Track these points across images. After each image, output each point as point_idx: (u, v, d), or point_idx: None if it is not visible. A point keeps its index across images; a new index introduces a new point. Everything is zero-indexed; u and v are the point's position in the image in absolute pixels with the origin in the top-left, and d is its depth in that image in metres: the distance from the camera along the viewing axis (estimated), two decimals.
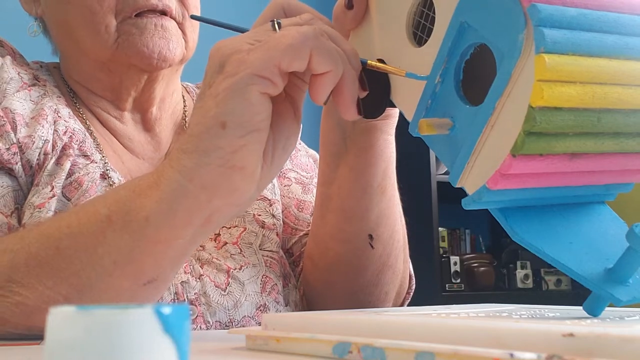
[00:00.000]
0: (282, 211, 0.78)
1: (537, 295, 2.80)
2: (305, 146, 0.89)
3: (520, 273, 2.86)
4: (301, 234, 0.78)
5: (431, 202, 2.45)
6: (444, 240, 2.88)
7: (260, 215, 0.75)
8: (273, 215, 0.76)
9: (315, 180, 0.80)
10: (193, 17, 0.68)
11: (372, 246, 0.67)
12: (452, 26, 0.44)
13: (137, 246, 0.48)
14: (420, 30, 0.49)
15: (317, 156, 0.84)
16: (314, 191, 0.79)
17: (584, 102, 0.38)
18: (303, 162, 0.85)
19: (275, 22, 0.48)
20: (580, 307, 0.43)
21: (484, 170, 0.42)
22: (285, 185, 0.81)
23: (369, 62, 0.50)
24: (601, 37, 0.39)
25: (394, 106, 0.52)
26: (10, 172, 0.65)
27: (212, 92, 0.47)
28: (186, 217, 0.48)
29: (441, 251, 2.74)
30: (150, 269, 0.50)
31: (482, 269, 2.74)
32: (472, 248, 3.03)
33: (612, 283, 0.40)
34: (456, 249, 2.96)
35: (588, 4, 0.39)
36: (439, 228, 2.61)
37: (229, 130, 0.46)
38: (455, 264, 2.68)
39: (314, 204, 0.76)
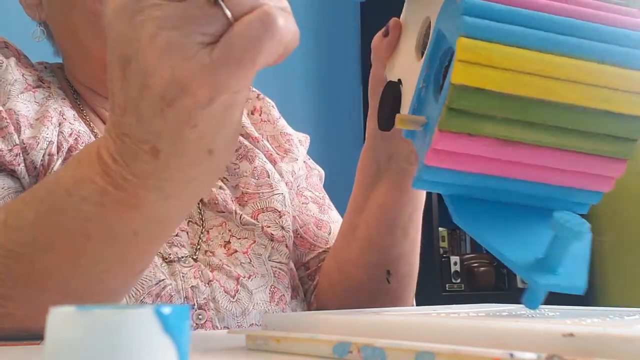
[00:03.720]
0: (302, 227, 0.80)
1: None
2: (315, 164, 0.91)
3: None
4: (320, 250, 0.80)
5: (431, 202, 2.45)
6: (444, 240, 2.87)
7: (269, 227, 0.75)
8: (282, 227, 0.76)
9: (328, 200, 0.85)
10: None
11: (388, 281, 0.71)
12: (433, 36, 0.47)
13: (127, 253, 0.47)
14: (424, 47, 0.52)
15: (323, 174, 0.90)
16: (329, 212, 0.84)
17: (507, 86, 0.40)
18: (314, 182, 0.88)
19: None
20: (581, 307, 0.43)
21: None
22: (303, 203, 0.83)
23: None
24: (528, 31, 0.41)
25: None
26: (12, 174, 0.65)
27: (183, 119, 0.38)
28: (174, 222, 0.50)
29: (441, 251, 2.73)
30: (140, 265, 0.50)
31: (482, 269, 2.74)
32: (472, 248, 3.03)
33: (541, 271, 0.41)
34: (456, 249, 2.96)
35: (521, 4, 0.42)
36: (439, 228, 2.61)
37: (217, 155, 0.41)
38: (455, 264, 2.68)
39: (329, 224, 0.81)
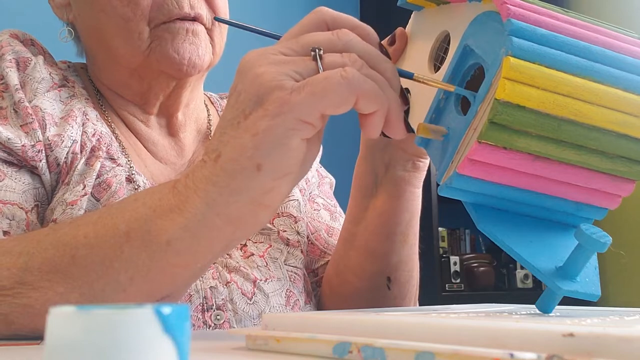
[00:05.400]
0: (313, 233, 0.80)
1: (537, 295, 2.76)
2: (327, 173, 0.92)
3: (520, 273, 2.86)
4: (329, 258, 0.80)
5: (431, 202, 2.45)
6: (444, 240, 2.87)
7: (285, 231, 0.76)
8: (298, 232, 0.77)
9: (339, 208, 0.86)
10: (217, 19, 0.69)
11: (389, 287, 0.71)
12: (458, 50, 0.49)
13: (155, 266, 0.48)
14: (439, 62, 0.54)
15: (334, 182, 0.91)
16: (340, 219, 0.84)
17: (545, 105, 0.42)
18: (326, 190, 0.89)
19: (317, 54, 0.47)
20: (581, 307, 0.43)
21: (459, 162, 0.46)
22: (315, 210, 0.83)
23: (415, 75, 0.51)
24: (568, 57, 0.43)
25: (411, 130, 0.55)
26: (32, 170, 0.66)
27: (250, 127, 0.46)
28: (208, 246, 0.49)
29: (441, 251, 2.73)
30: (165, 287, 0.51)
31: (482, 269, 2.74)
32: (472, 248, 3.03)
33: (561, 278, 0.43)
34: (456, 249, 2.96)
35: (562, 31, 0.44)
36: (439, 228, 2.61)
37: (264, 173, 0.46)
38: (455, 264, 2.68)
39: (340, 231, 0.80)
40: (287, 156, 0.46)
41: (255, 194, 0.47)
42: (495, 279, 2.79)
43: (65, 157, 0.66)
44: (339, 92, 0.45)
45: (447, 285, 2.64)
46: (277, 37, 0.55)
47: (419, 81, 0.51)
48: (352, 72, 0.46)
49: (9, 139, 0.64)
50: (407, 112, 0.55)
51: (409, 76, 0.51)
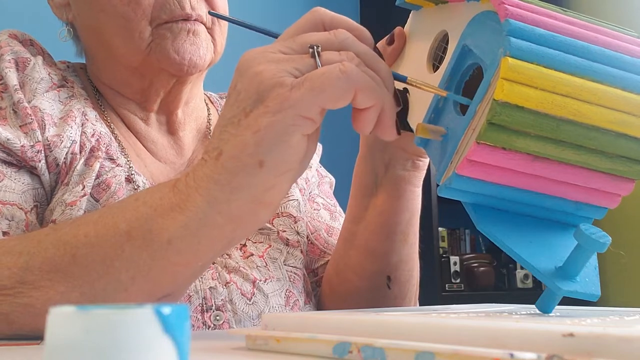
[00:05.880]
0: (313, 233, 0.80)
1: (537, 295, 2.75)
2: (327, 172, 0.92)
3: (520, 273, 2.86)
4: (329, 257, 0.80)
5: (431, 202, 2.45)
6: (444, 240, 2.88)
7: (284, 231, 0.76)
8: (297, 233, 0.77)
9: (338, 208, 0.86)
10: (211, 13, 0.69)
11: (389, 287, 0.71)
12: (456, 50, 0.49)
13: (157, 265, 0.49)
14: (438, 62, 0.54)
15: (333, 181, 0.91)
16: (340, 219, 0.84)
17: (544, 106, 0.42)
18: (326, 189, 0.89)
19: (315, 50, 0.48)
20: (581, 307, 0.43)
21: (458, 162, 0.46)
22: (314, 209, 0.83)
23: (409, 79, 0.51)
24: (566, 56, 0.43)
25: (411, 130, 0.55)
26: (32, 171, 0.66)
27: (251, 125, 0.46)
28: (209, 244, 0.49)
29: (441, 251, 2.74)
30: (167, 286, 0.51)
31: (482, 269, 2.74)
32: (472, 248, 3.03)
33: (560, 278, 0.43)
34: (456, 249, 2.96)
35: (560, 31, 0.44)
36: (439, 228, 2.61)
37: (266, 170, 0.46)
38: (455, 264, 2.68)
39: (340, 231, 0.80)
40: (289, 152, 0.46)
41: (257, 191, 0.47)
42: (495, 279, 2.79)
43: (64, 158, 0.66)
44: (338, 86, 0.46)
45: (447, 285, 2.64)
46: (273, 34, 0.55)
47: (412, 85, 0.51)
48: (351, 66, 0.46)
49: (8, 139, 0.64)
50: (402, 113, 0.55)
51: (402, 79, 0.51)
